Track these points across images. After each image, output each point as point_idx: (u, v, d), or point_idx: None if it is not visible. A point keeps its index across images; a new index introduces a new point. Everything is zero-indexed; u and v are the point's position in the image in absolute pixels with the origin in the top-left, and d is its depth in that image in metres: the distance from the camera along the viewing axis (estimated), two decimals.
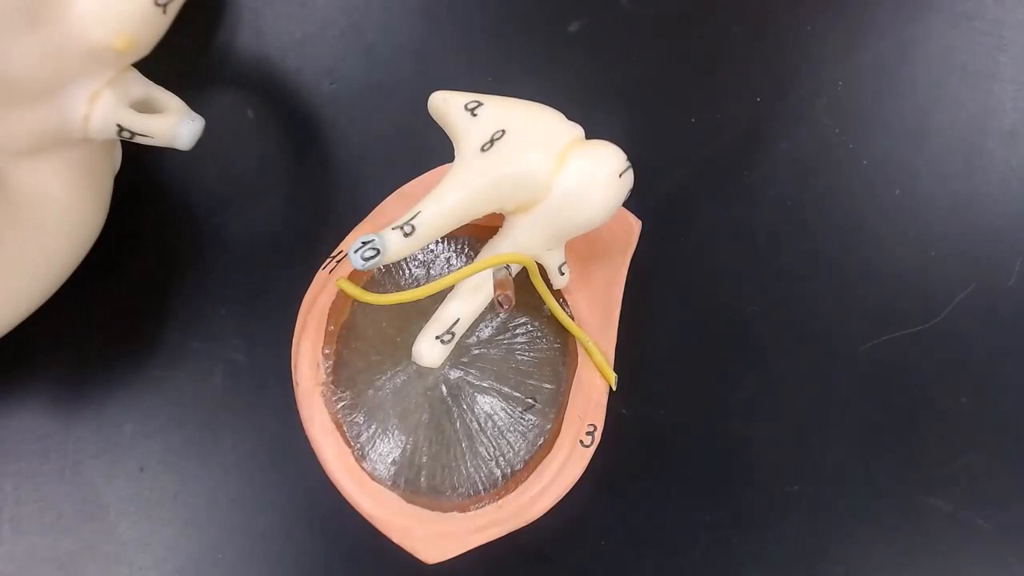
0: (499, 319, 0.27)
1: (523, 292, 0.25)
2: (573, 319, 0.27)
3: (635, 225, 0.27)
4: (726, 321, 0.29)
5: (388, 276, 0.27)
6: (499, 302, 0.22)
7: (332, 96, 0.31)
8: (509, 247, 0.24)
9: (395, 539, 0.25)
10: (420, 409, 0.26)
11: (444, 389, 0.26)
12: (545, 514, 0.25)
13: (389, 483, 0.25)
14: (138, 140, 0.23)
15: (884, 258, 0.30)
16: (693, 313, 0.29)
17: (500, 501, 0.25)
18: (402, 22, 0.31)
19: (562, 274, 0.25)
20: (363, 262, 0.21)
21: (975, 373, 0.29)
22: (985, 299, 0.29)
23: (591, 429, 0.26)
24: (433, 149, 0.26)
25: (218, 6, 0.31)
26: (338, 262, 0.26)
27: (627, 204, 0.24)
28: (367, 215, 0.27)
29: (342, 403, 0.26)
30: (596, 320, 0.27)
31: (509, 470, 0.26)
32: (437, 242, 0.27)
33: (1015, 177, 0.30)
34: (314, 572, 0.27)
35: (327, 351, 0.26)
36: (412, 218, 0.22)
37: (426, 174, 0.27)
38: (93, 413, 0.28)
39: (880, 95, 0.31)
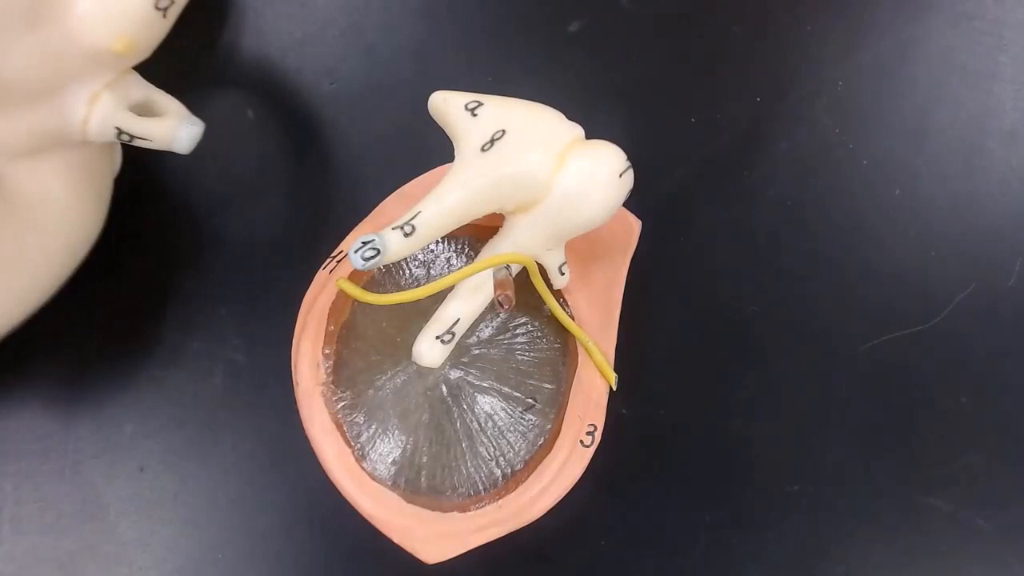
0: (499, 319, 0.27)
1: (523, 292, 0.25)
2: (573, 319, 0.27)
3: (635, 225, 0.27)
4: (726, 321, 0.29)
5: (388, 276, 0.27)
6: (499, 302, 0.22)
7: (332, 96, 0.31)
8: (509, 247, 0.24)
9: (395, 539, 0.25)
10: (420, 409, 0.26)
11: (444, 389, 0.26)
12: (545, 514, 0.25)
13: (389, 483, 0.25)
14: (137, 143, 0.23)
15: (884, 258, 0.30)
16: (693, 313, 0.29)
17: (500, 501, 0.25)
18: (402, 22, 0.31)
19: (562, 274, 0.25)
20: (363, 262, 0.21)
21: (975, 373, 0.29)
22: (985, 299, 0.29)
23: (591, 429, 0.26)
24: (433, 149, 0.26)
25: (218, 6, 0.31)
26: (338, 262, 0.26)
27: (627, 204, 0.24)
28: (367, 215, 0.27)
29: (342, 403, 0.26)
30: (596, 320, 0.27)
31: (509, 470, 0.26)
32: (437, 242, 0.27)
33: (1015, 177, 0.30)
34: (314, 572, 0.27)
35: (327, 351, 0.26)
36: (412, 218, 0.22)
37: (426, 174, 0.27)
38: (93, 413, 0.28)
39: (880, 95, 0.31)
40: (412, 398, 0.26)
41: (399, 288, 0.27)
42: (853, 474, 0.28)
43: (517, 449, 0.26)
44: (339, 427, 0.25)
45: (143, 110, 0.24)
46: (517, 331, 0.27)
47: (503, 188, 0.22)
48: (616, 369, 0.27)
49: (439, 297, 0.24)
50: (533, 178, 0.22)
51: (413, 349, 0.24)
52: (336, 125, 0.30)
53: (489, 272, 0.24)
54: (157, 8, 0.21)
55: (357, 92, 0.31)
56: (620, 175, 0.23)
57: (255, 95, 0.30)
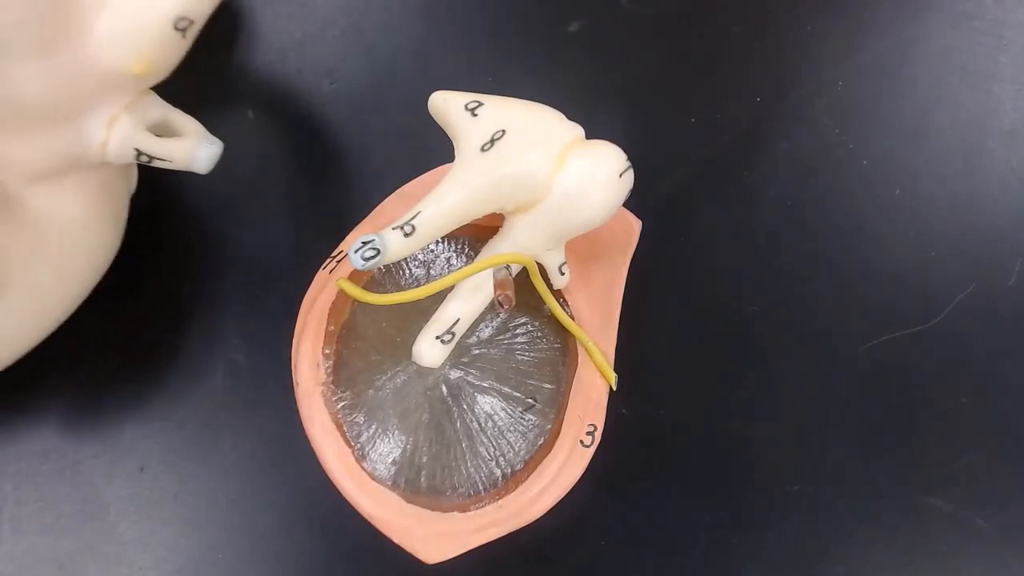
0: (499, 319, 0.27)
1: (523, 292, 0.25)
2: (573, 319, 0.27)
3: (635, 225, 0.27)
4: (726, 321, 0.29)
5: (388, 276, 0.27)
6: (499, 302, 0.22)
7: (332, 96, 0.31)
8: (509, 247, 0.24)
9: (395, 539, 0.25)
10: (420, 409, 0.26)
11: (444, 389, 0.26)
12: (545, 514, 0.25)
13: (389, 483, 0.25)
14: (156, 164, 0.23)
15: (884, 258, 0.30)
16: (693, 313, 0.29)
17: (500, 501, 0.25)
18: (402, 22, 0.31)
19: (562, 274, 0.25)
20: (363, 262, 0.21)
21: (975, 373, 0.29)
22: (985, 299, 0.29)
23: (591, 429, 0.26)
24: (433, 149, 0.26)
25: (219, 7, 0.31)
26: (338, 262, 0.26)
27: (627, 204, 0.24)
28: (367, 215, 0.27)
29: (342, 403, 0.26)
30: (596, 320, 0.27)
31: (509, 470, 0.26)
32: (437, 242, 0.27)
33: (1015, 177, 0.30)
34: (314, 572, 0.27)
35: (327, 351, 0.26)
36: (412, 218, 0.22)
37: (426, 174, 0.27)
38: (93, 413, 0.28)
39: (880, 95, 0.31)
40: (412, 398, 0.26)
41: (399, 288, 0.27)
42: (853, 474, 0.28)
43: (517, 449, 0.26)
44: (339, 427, 0.25)
45: (161, 130, 0.24)
46: (517, 331, 0.27)
47: (503, 188, 0.22)
48: (616, 369, 0.27)
49: (439, 297, 0.24)
50: (533, 178, 0.22)
51: (413, 349, 0.24)
52: (336, 125, 0.30)
53: (489, 272, 0.24)
54: (176, 29, 0.21)
55: (357, 92, 0.31)
56: (620, 175, 0.23)
57: (255, 95, 0.30)
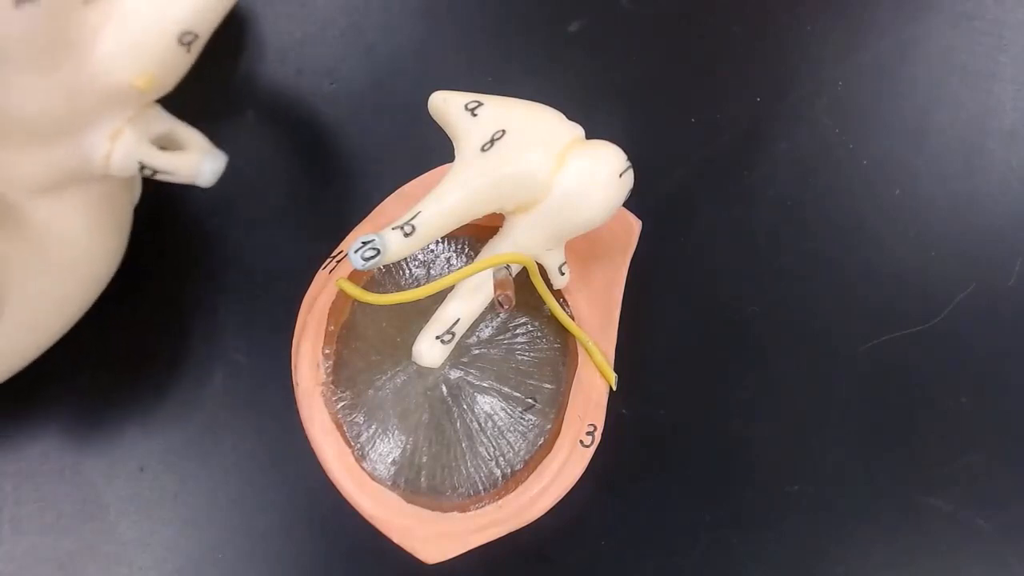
0: (499, 319, 0.27)
1: (523, 292, 0.25)
2: (573, 319, 0.27)
3: (635, 225, 0.27)
4: (726, 321, 0.29)
5: (388, 276, 0.27)
6: (499, 302, 0.22)
7: (332, 96, 0.31)
8: (509, 247, 0.24)
9: (395, 539, 0.25)
10: (420, 409, 0.26)
11: (444, 389, 0.26)
12: (545, 514, 0.25)
13: (389, 483, 0.25)
14: (160, 177, 0.23)
15: (884, 258, 0.30)
16: (693, 313, 0.29)
17: (500, 501, 0.25)
18: (402, 22, 0.31)
19: (562, 274, 0.25)
20: (363, 262, 0.21)
21: (975, 373, 0.29)
22: (985, 299, 0.29)
23: (591, 429, 0.26)
24: (433, 149, 0.26)
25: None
26: (338, 262, 0.26)
27: (627, 204, 0.24)
28: (367, 215, 0.27)
29: (342, 403, 0.26)
30: (596, 320, 0.27)
31: (509, 470, 0.26)
32: (437, 242, 0.27)
33: (1015, 177, 0.30)
34: (314, 572, 0.27)
35: (327, 351, 0.26)
36: (412, 218, 0.22)
37: (426, 174, 0.27)
38: (93, 413, 0.28)
39: (880, 95, 0.31)
40: (412, 398, 0.26)
41: (399, 288, 0.27)
42: (853, 474, 0.28)
43: (517, 449, 0.26)
44: (339, 427, 0.25)
45: (165, 142, 0.24)
46: (517, 331, 0.27)
47: (503, 188, 0.22)
48: (616, 369, 0.27)
49: (439, 297, 0.24)
50: (533, 178, 0.22)
51: (413, 349, 0.24)
52: (336, 125, 0.30)
53: (489, 272, 0.24)
54: (181, 43, 0.21)
55: (357, 92, 0.31)
56: (620, 175, 0.23)
57: (255, 95, 0.30)
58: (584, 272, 0.27)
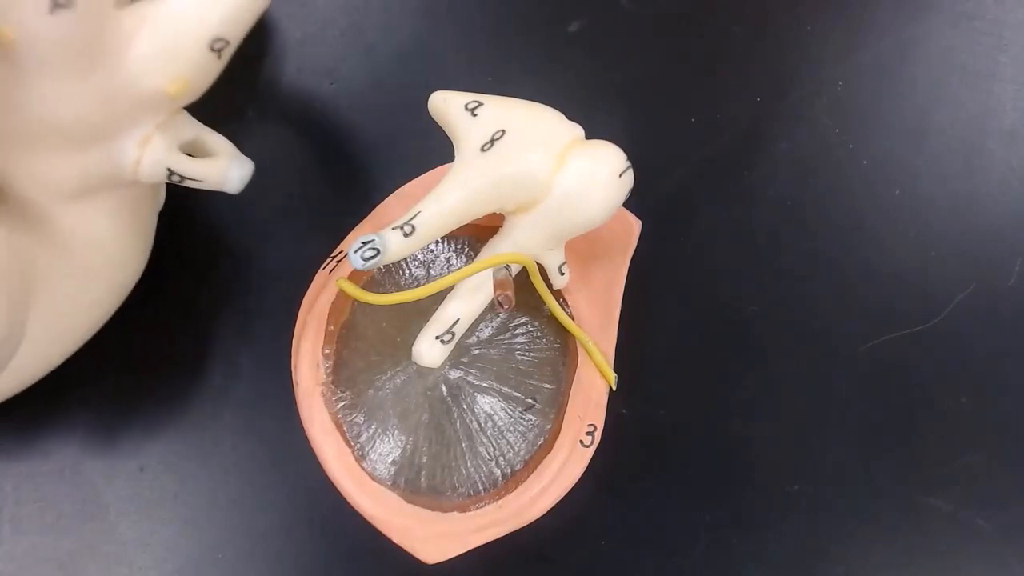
0: (499, 319, 0.27)
1: (523, 292, 0.25)
2: (573, 319, 0.27)
3: (635, 225, 0.27)
4: (726, 321, 0.29)
5: (388, 276, 0.27)
6: (499, 302, 0.22)
7: (332, 96, 0.31)
8: (509, 247, 0.24)
9: (395, 539, 0.25)
10: (420, 409, 0.26)
11: (444, 389, 0.26)
12: (545, 514, 0.25)
13: (389, 483, 0.25)
14: (187, 184, 0.23)
15: (884, 258, 0.30)
16: (693, 313, 0.29)
17: (500, 501, 0.25)
18: (402, 22, 0.31)
19: (562, 274, 0.25)
20: (363, 262, 0.21)
21: (975, 373, 0.29)
22: (985, 299, 0.29)
23: (591, 429, 0.26)
24: (433, 149, 0.26)
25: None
26: (338, 262, 0.26)
27: (627, 204, 0.24)
28: (367, 215, 0.27)
29: (342, 403, 0.26)
30: (596, 320, 0.27)
31: (509, 470, 0.26)
32: (437, 242, 0.27)
33: (1015, 177, 0.30)
34: (314, 572, 0.27)
35: (327, 351, 0.26)
36: (412, 218, 0.22)
37: (426, 174, 0.27)
38: (93, 413, 0.28)
39: (880, 95, 0.31)
40: (412, 398, 0.26)
41: (399, 288, 0.27)
42: (853, 474, 0.28)
43: (517, 449, 0.26)
44: (339, 427, 0.25)
45: (192, 149, 0.24)
46: (517, 331, 0.27)
47: (503, 188, 0.22)
48: (616, 369, 0.27)
49: (439, 297, 0.24)
50: (533, 178, 0.22)
51: (413, 349, 0.24)
52: (336, 125, 0.30)
53: (489, 272, 0.24)
54: (212, 50, 0.21)
55: (357, 92, 0.31)
56: (620, 175, 0.23)
57: (255, 95, 0.30)
58: (584, 272, 0.27)
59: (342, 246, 0.27)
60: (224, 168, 0.23)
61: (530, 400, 0.26)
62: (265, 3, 0.21)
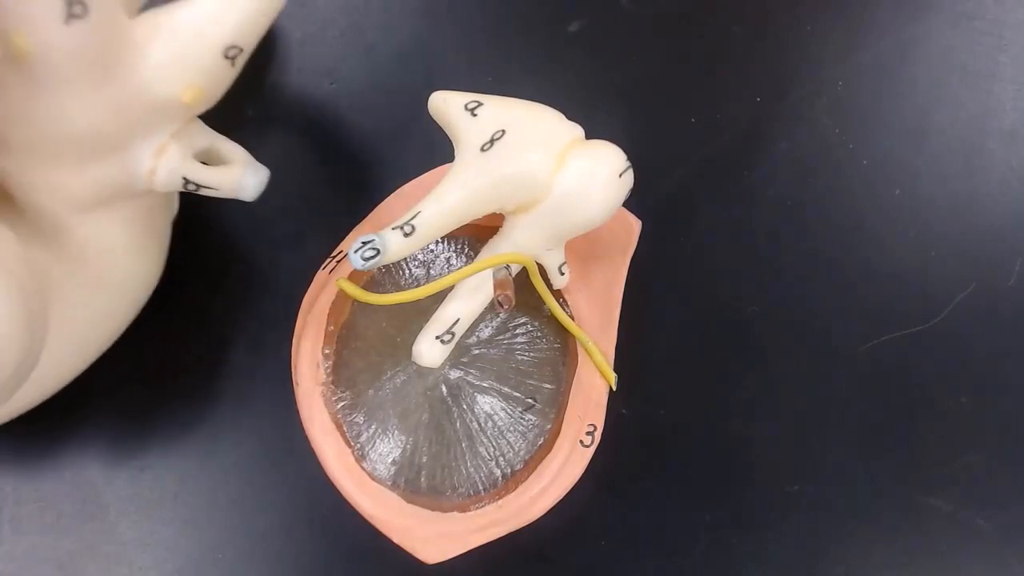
0: (499, 319, 0.27)
1: (523, 292, 0.25)
2: (573, 319, 0.27)
3: (635, 225, 0.27)
4: (726, 321, 0.29)
5: (388, 276, 0.27)
6: (499, 302, 0.22)
7: (332, 96, 0.31)
8: (509, 247, 0.24)
9: (395, 539, 0.25)
10: (420, 409, 0.26)
11: (444, 389, 0.26)
12: (545, 514, 0.25)
13: (389, 483, 0.25)
14: (203, 192, 0.23)
15: (884, 258, 0.30)
16: (693, 313, 0.29)
17: (500, 501, 0.25)
18: (402, 22, 0.31)
19: (562, 274, 0.25)
20: (363, 262, 0.21)
21: (975, 373, 0.29)
22: (985, 299, 0.29)
23: (591, 429, 0.26)
24: (433, 149, 0.26)
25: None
26: (338, 262, 0.26)
27: (627, 204, 0.24)
28: (367, 215, 0.27)
29: (342, 403, 0.26)
30: (596, 320, 0.27)
31: (509, 470, 0.26)
32: (437, 242, 0.27)
33: (1015, 177, 0.30)
34: (314, 572, 0.27)
35: (327, 351, 0.26)
36: (412, 218, 0.22)
37: (426, 174, 0.27)
38: (93, 413, 0.28)
39: (880, 95, 0.31)
40: (412, 398, 0.26)
41: (399, 288, 0.27)
42: (853, 474, 0.28)
43: (517, 449, 0.26)
44: (339, 427, 0.25)
45: (206, 157, 0.24)
46: (517, 331, 0.27)
47: (503, 188, 0.22)
48: (616, 369, 0.27)
49: (439, 297, 0.24)
50: (533, 178, 0.22)
51: (413, 349, 0.24)
52: (336, 125, 0.30)
53: (489, 272, 0.24)
54: (226, 57, 0.21)
55: (357, 92, 0.31)
56: (620, 175, 0.23)
57: (255, 95, 0.30)
58: (584, 272, 0.27)
59: (342, 246, 0.27)
60: (239, 176, 0.23)
61: (530, 400, 0.26)
62: (278, 10, 0.21)
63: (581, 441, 0.26)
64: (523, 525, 0.25)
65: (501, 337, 0.27)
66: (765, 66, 0.31)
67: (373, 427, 0.26)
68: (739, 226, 0.30)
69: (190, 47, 0.20)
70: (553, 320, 0.26)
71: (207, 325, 0.28)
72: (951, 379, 0.29)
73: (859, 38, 0.32)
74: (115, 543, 0.27)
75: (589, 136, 0.23)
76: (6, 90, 0.20)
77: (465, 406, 0.26)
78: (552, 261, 0.25)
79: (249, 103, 0.30)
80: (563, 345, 0.27)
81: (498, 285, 0.23)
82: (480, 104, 0.23)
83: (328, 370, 0.26)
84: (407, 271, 0.27)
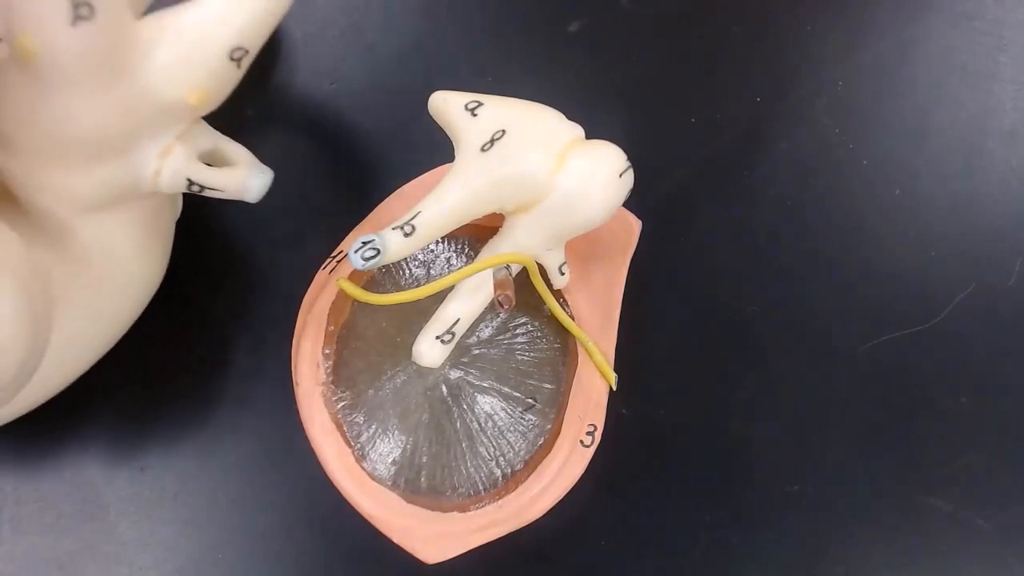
0: (499, 319, 0.27)
1: (523, 292, 0.25)
2: (573, 319, 0.27)
3: (635, 225, 0.27)
4: (726, 321, 0.29)
5: (388, 276, 0.27)
6: (499, 302, 0.22)
7: (332, 96, 0.31)
8: (509, 247, 0.24)
9: (395, 539, 0.25)
10: (420, 409, 0.26)
11: (444, 389, 0.26)
12: (545, 514, 0.25)
13: (389, 483, 0.25)
14: (207, 194, 0.23)
15: (884, 258, 0.30)
16: (693, 313, 0.29)
17: (500, 501, 0.25)
18: (402, 22, 0.31)
19: (562, 274, 0.25)
20: (363, 262, 0.21)
21: (975, 373, 0.29)
22: (985, 299, 0.29)
23: (591, 429, 0.26)
24: (433, 149, 0.26)
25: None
26: (338, 262, 0.26)
27: (627, 204, 0.24)
28: (367, 215, 0.27)
29: (342, 403, 0.26)
30: (596, 320, 0.27)
31: (509, 470, 0.26)
32: (437, 242, 0.27)
33: (1015, 177, 0.30)
34: (314, 572, 0.27)
35: (327, 351, 0.26)
36: (412, 218, 0.22)
37: (426, 174, 0.27)
38: (93, 413, 0.28)
39: (880, 95, 0.31)
40: (412, 398, 0.26)
41: (399, 288, 0.27)
42: (853, 474, 0.28)
43: (517, 449, 0.26)
44: (339, 427, 0.25)
45: (210, 158, 0.24)
46: (517, 331, 0.27)
47: (503, 188, 0.22)
48: (616, 369, 0.27)
49: (439, 297, 0.24)
50: (533, 178, 0.22)
51: (413, 349, 0.24)
52: (336, 125, 0.30)
53: (489, 272, 0.24)
54: (231, 59, 0.21)
55: (357, 92, 0.31)
56: (620, 175, 0.23)
57: (255, 95, 0.30)
58: (584, 272, 0.27)
59: (342, 246, 0.27)
60: (243, 177, 0.23)
61: (530, 400, 0.26)
62: (284, 11, 0.21)
63: (581, 441, 0.26)
64: (523, 525, 0.25)
65: (501, 337, 0.27)
66: (765, 66, 0.31)
67: (373, 427, 0.26)
68: (739, 226, 0.30)
69: (196, 49, 0.20)
70: (553, 320, 0.26)
71: (208, 325, 0.28)
72: (951, 379, 0.29)
73: (859, 38, 0.32)
74: (115, 543, 0.27)
75: (589, 136, 0.23)
76: (12, 91, 0.20)
77: (465, 406, 0.26)
78: (552, 261, 0.25)
79: (249, 103, 0.30)
80: (563, 345, 0.27)
81: (498, 285, 0.23)
82: (480, 104, 0.23)
83: (328, 370, 0.26)
84: (407, 271, 0.27)
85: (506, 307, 0.22)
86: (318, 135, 0.30)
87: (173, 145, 0.22)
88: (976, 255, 0.30)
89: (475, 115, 0.23)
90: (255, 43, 0.21)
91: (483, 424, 0.26)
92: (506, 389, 0.26)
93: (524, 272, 0.25)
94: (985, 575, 0.27)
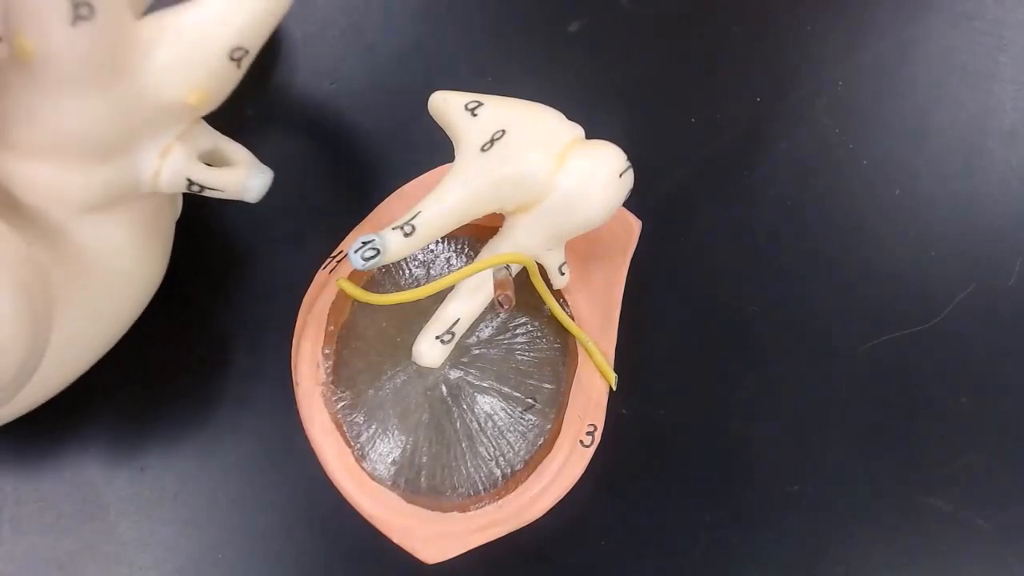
0: (499, 319, 0.27)
1: (523, 292, 0.25)
2: (573, 319, 0.27)
3: (635, 225, 0.27)
4: (726, 321, 0.29)
5: (388, 276, 0.27)
6: (499, 302, 0.22)
7: (332, 96, 0.31)
8: (509, 247, 0.24)
9: (395, 539, 0.25)
10: (420, 409, 0.26)
11: (444, 389, 0.26)
12: (545, 514, 0.25)
13: (389, 483, 0.25)
14: (207, 194, 0.23)
15: (884, 258, 0.30)
16: (693, 313, 0.29)
17: (500, 501, 0.25)
18: (402, 22, 0.31)
19: (562, 274, 0.25)
20: (363, 262, 0.21)
21: (975, 373, 0.29)
22: (985, 299, 0.29)
23: (591, 429, 0.26)
24: (433, 149, 0.26)
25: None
26: (338, 262, 0.26)
27: (627, 204, 0.24)
28: (367, 215, 0.27)
29: (342, 403, 0.26)
30: (596, 320, 0.27)
31: (509, 470, 0.26)
32: (437, 242, 0.27)
33: (1015, 177, 0.30)
34: (314, 572, 0.27)
35: (327, 351, 0.26)
36: (412, 218, 0.22)
37: (426, 174, 0.27)
38: (93, 413, 0.28)
39: (880, 95, 0.31)
40: (412, 398, 0.26)
41: (399, 288, 0.27)
42: (853, 474, 0.28)
43: (517, 449, 0.26)
44: (339, 427, 0.25)
45: (210, 158, 0.24)
46: (517, 331, 0.27)
47: (503, 188, 0.22)
48: (616, 369, 0.27)
49: (439, 297, 0.24)
50: (533, 178, 0.22)
51: (413, 349, 0.24)
52: (336, 125, 0.30)
53: (489, 272, 0.24)
54: (231, 59, 0.21)
55: (357, 92, 0.31)
56: (620, 175, 0.23)
57: (255, 95, 0.30)
58: (584, 272, 0.27)
59: (342, 246, 0.27)
60: (243, 177, 0.23)
61: (530, 400, 0.26)
62: (284, 11, 0.21)
63: (581, 441, 0.26)
64: (523, 525, 0.25)
65: (501, 337, 0.27)
66: (765, 66, 0.31)
67: (373, 427, 0.26)
68: (739, 226, 0.30)
69: (196, 49, 0.20)
70: (553, 320, 0.26)
71: (208, 325, 0.28)
72: (951, 379, 0.29)
73: (859, 38, 0.32)
74: (115, 543, 0.27)
75: (589, 136, 0.23)
76: (12, 91, 0.20)
77: (465, 406, 0.26)
78: (552, 261, 0.25)
79: (249, 103, 0.30)
80: (563, 345, 0.27)
81: (498, 285, 0.23)
82: (480, 104, 0.23)
83: (328, 370, 0.26)
84: (407, 271, 0.27)
85: (506, 307, 0.22)
86: (318, 135, 0.30)
87: (173, 145, 0.22)
88: (976, 255, 0.30)
89: (475, 115, 0.23)
90: (255, 43, 0.21)
91: (483, 424, 0.26)
92: (506, 389, 0.26)
93: (524, 272, 0.25)
94: (985, 575, 0.27)
